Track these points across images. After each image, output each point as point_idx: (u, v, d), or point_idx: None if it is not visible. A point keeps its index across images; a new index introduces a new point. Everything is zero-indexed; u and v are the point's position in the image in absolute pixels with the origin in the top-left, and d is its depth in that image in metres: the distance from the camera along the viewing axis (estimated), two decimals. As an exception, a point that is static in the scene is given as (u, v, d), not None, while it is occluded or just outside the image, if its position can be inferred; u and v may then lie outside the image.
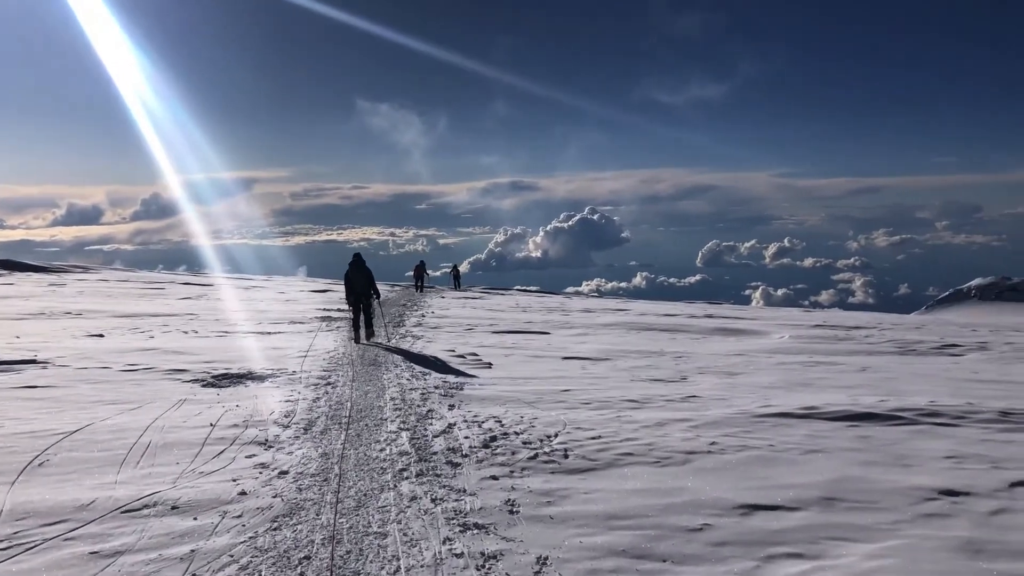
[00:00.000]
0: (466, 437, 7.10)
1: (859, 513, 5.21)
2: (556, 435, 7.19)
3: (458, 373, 10.99)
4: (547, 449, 6.71)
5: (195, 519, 4.99)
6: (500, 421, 7.73)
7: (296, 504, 5.33)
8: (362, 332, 14.94)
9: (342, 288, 19.06)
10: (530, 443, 6.91)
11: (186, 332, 15.62)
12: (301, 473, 6.04)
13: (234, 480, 5.79)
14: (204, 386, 9.51)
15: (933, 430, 7.75)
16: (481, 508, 5.27)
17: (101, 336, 14.35)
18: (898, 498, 5.50)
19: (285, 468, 6.14)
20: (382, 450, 6.71)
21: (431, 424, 7.65)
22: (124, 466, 6.06)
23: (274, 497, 5.45)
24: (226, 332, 15.88)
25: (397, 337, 15.84)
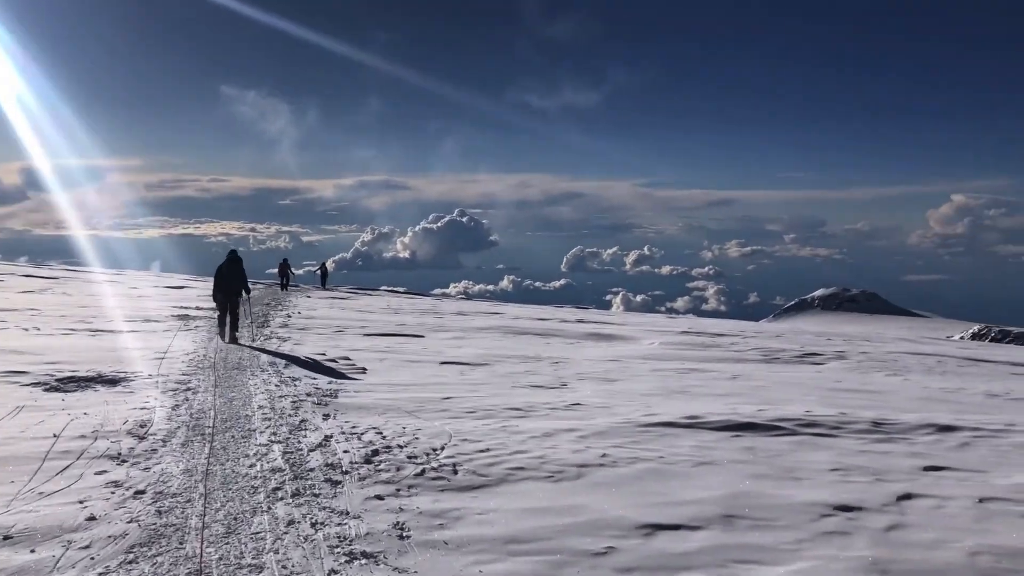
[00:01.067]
0: (345, 451, 6.58)
1: (761, 532, 5.07)
2: (443, 448, 6.79)
3: (331, 379, 10.40)
4: (435, 464, 6.29)
5: (32, 551, 4.30)
6: (381, 432, 7.25)
7: (156, 530, 4.70)
8: (227, 331, 14.09)
9: (200, 285, 17.90)
10: (416, 457, 6.47)
11: (27, 329, 14.21)
12: (160, 493, 5.38)
13: (81, 502, 5.09)
14: (47, 391, 8.53)
15: (814, 441, 7.82)
16: (368, 533, 4.80)
17: (-76, 332, 12.86)
18: (795, 515, 5.41)
19: (142, 487, 5.47)
20: (252, 466, 6.11)
21: (305, 436, 7.09)
22: (-54, 487, 5.24)
23: (129, 522, 4.80)
24: (73, 330, 14.57)
25: (262, 338, 15.00)
